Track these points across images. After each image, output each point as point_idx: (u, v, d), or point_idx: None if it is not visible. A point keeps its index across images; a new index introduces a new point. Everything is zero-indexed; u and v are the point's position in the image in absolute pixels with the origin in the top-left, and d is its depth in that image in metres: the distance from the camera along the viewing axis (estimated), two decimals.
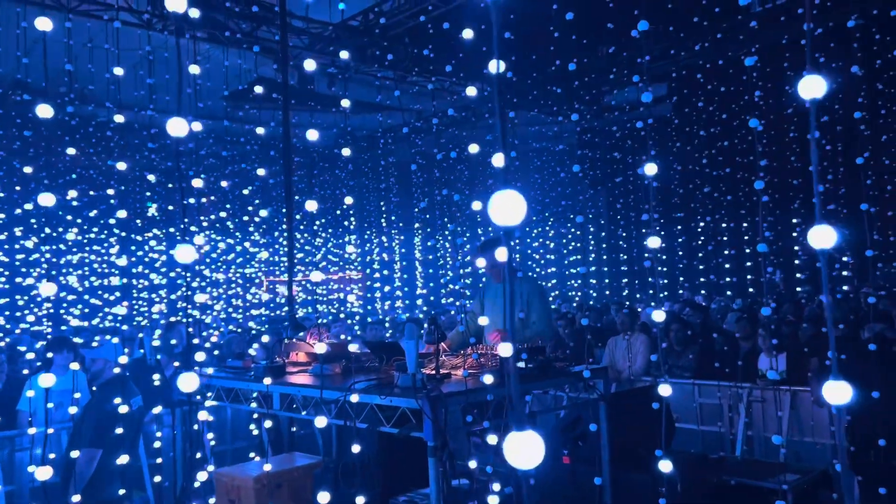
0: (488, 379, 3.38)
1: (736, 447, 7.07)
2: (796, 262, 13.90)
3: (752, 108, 10.90)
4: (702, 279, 15.11)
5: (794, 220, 13.20)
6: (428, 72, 11.82)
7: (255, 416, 6.18)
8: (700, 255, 15.07)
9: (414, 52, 11.49)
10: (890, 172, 11.34)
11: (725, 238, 14.74)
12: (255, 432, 6.49)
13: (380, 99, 12.65)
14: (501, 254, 4.75)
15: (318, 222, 16.93)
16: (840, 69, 9.29)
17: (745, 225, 14.18)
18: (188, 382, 1.88)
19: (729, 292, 14.09)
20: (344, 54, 10.19)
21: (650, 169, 2.64)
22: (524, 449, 1.21)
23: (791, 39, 10.14)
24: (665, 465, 2.68)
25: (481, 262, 4.75)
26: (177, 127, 1.63)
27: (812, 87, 1.58)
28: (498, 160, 1.30)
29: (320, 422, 3.62)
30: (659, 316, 2.79)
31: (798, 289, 13.61)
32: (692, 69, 12.38)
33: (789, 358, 7.26)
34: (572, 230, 17.05)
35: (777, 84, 11.13)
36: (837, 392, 1.45)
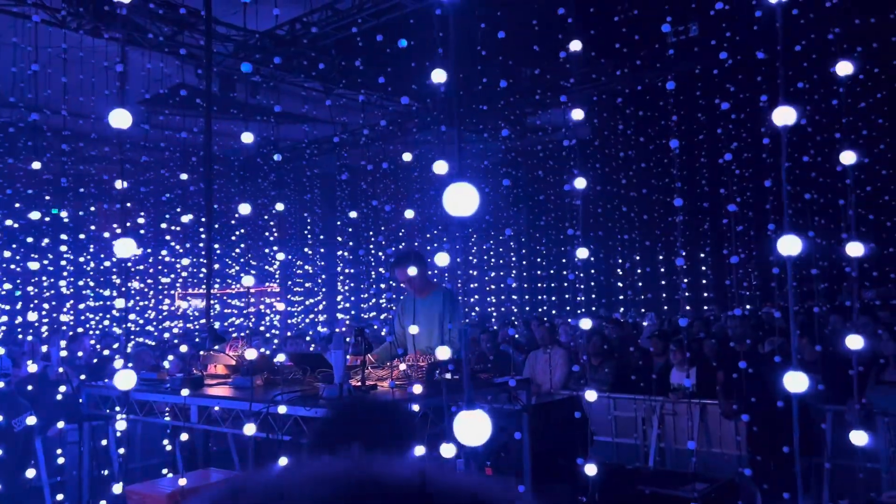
0: (417, 389, 3.39)
1: (649, 458, 7.33)
2: (703, 281, 14.61)
3: (667, 132, 11.42)
4: (620, 296, 15.63)
5: (701, 242, 13.90)
6: (356, 84, 11.80)
7: (169, 430, 5.95)
8: (618, 272, 15.61)
9: (342, 63, 11.45)
10: (790, 197, 12.10)
11: (638, 257, 15.35)
12: (169, 448, 6.24)
13: (306, 109, 12.52)
14: (412, 270, 4.76)
15: (236, 233, 16.52)
16: (748, 99, 9.89)
17: (659, 245, 14.80)
18: (125, 380, 1.79)
19: (643, 309, 14.63)
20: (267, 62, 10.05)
21: (579, 183, 2.74)
22: (473, 427, 1.24)
23: (704, 69, 10.71)
24: (590, 469, 2.76)
25: (407, 274, 4.76)
26: (119, 119, 1.58)
27: (784, 115, 1.70)
28: (440, 168, 1.33)
29: (249, 429, 3.53)
30: (586, 323, 2.88)
31: (706, 307, 14.30)
32: (612, 94, 12.87)
33: (699, 372, 7.59)
34: (494, 246, 17.32)
35: (690, 110, 11.74)
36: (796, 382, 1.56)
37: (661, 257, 14.88)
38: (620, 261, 15.66)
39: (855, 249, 2.35)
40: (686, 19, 10.85)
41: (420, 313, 4.70)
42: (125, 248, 1.68)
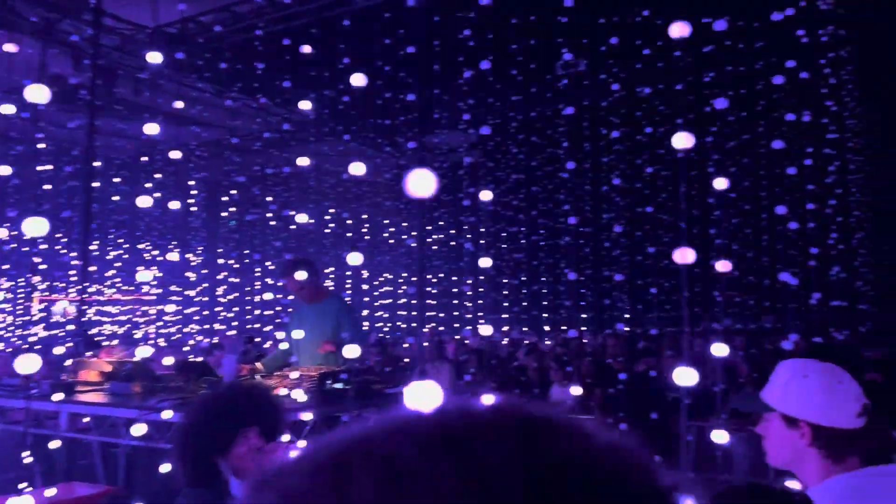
0: (299, 395, 3.36)
1: None
2: (583, 302, 15.32)
3: (557, 159, 11.95)
4: (504, 315, 16.08)
5: (583, 264, 14.61)
6: (253, 89, 11.54)
7: (30, 440, 5.51)
8: (504, 291, 16.07)
9: (238, 67, 11.17)
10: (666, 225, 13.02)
11: (525, 278, 15.90)
12: (29, 460, 5.77)
13: (196, 111, 12.07)
14: (301, 275, 4.71)
15: (111, 235, 15.59)
16: (630, 132, 10.61)
17: (543, 265, 15.40)
18: (27, 364, 1.67)
19: (525, 328, 15.14)
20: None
21: (485, 195, 2.84)
22: (424, 396, 1.29)
23: (592, 101, 11.36)
24: None
25: (296, 280, 4.69)
26: (36, 94, 1.50)
27: (683, 141, 1.85)
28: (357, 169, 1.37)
29: (137, 430, 3.35)
30: (486, 330, 2.97)
31: (583, 328, 14.99)
32: (507, 119, 13.34)
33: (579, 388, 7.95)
34: (390, 259, 17.36)
35: (577, 140, 12.38)
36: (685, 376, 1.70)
37: (543, 278, 15.49)
38: (506, 280, 16.14)
39: (723, 265, 2.59)
40: (577, 55, 11.45)
41: (310, 322, 4.65)
42: (35, 227, 1.57)
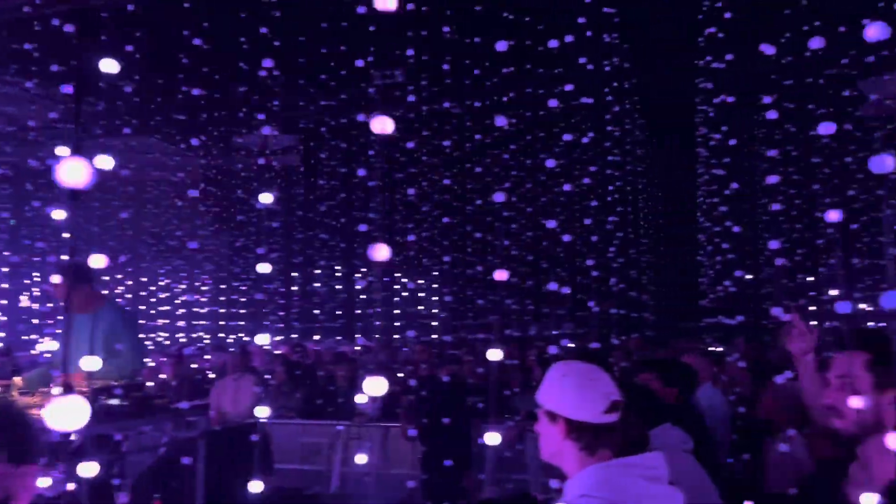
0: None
1: (331, 483, 7.45)
2: (396, 310, 15.51)
3: (367, 166, 12.00)
4: (315, 324, 15.77)
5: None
6: (28, 73, 10.31)
7: None
8: (315, 299, 15.77)
9: (12, 47, 9.93)
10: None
11: (340, 287, 15.75)
12: None
13: None
14: (56, 279, 4.28)
15: None
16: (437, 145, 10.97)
17: (358, 275, 15.36)
18: None
19: (339, 337, 14.96)
20: None
21: (265, 198, 2.73)
22: (67, 412, 1.16)
23: (404, 113, 11.54)
24: (255, 486, 2.71)
25: (61, 285, 4.21)
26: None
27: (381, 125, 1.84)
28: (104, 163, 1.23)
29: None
30: (261, 339, 2.84)
31: (395, 335, 15.17)
32: (320, 123, 13.15)
33: (385, 396, 7.97)
34: (187, 266, 16.32)
35: (387, 148, 12.52)
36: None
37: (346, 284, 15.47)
38: (318, 285, 15.88)
39: (500, 274, 2.70)
40: (394, 65, 11.59)
41: (80, 332, 4.20)
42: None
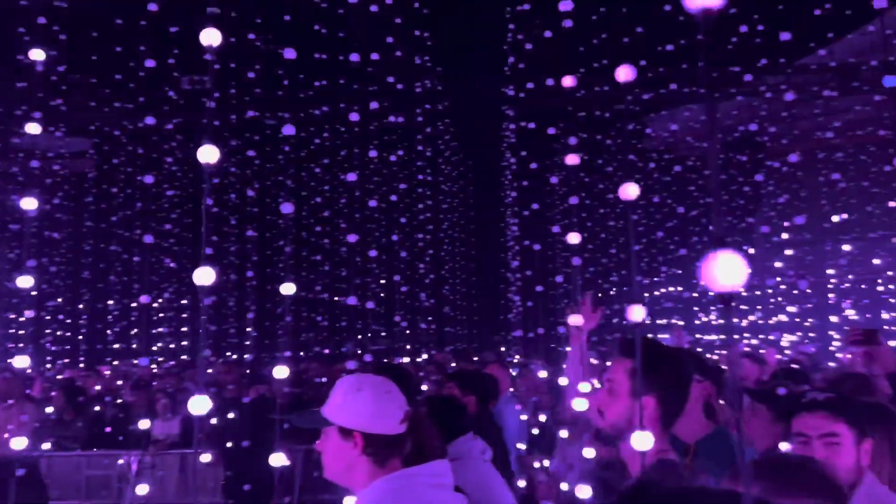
0: None
1: None
2: (184, 328, 14.61)
3: (169, 176, 11.29)
4: (104, 345, 14.44)
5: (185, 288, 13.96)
6: None
7: None
8: (108, 318, 14.45)
9: None
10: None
11: (134, 305, 14.54)
12: None
13: None
14: None
15: None
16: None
17: (170, 293, 14.31)
18: None
19: (135, 360, 13.78)
20: None
21: (28, 203, 2.43)
22: None
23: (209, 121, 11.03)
24: None
25: None
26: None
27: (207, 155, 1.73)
28: None
29: None
30: (21, 362, 2.52)
31: (183, 356, 14.29)
32: (115, 127, 12.15)
33: (184, 421, 7.49)
34: None
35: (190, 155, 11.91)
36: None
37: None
38: (111, 303, 14.58)
39: (286, 288, 2.64)
40: (203, 71, 11.06)
41: None
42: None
